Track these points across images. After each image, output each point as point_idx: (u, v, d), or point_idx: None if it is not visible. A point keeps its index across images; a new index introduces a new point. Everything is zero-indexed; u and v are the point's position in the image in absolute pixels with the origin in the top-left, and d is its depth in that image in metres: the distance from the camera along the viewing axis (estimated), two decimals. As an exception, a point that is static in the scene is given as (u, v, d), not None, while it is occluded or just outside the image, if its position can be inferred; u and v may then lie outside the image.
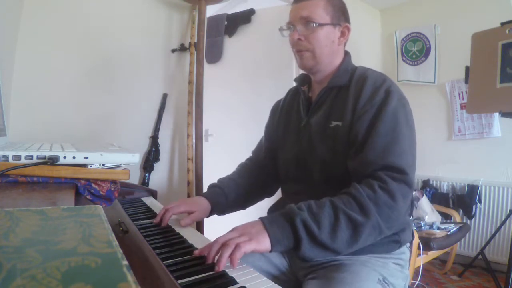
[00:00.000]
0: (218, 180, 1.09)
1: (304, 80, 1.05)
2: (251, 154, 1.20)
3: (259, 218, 0.75)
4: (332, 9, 0.92)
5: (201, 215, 0.98)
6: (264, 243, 0.69)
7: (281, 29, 0.98)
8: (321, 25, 0.90)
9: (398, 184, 0.75)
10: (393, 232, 0.80)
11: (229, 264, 0.64)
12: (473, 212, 2.56)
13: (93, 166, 0.73)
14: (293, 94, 1.11)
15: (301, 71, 1.03)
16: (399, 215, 0.76)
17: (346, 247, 0.72)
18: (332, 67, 0.96)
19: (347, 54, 1.00)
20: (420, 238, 1.93)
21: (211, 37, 2.61)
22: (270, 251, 0.70)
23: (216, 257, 0.65)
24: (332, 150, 0.87)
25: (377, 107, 0.82)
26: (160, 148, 1.98)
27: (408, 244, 0.94)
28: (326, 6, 0.91)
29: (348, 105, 0.86)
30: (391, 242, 0.85)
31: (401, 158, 0.77)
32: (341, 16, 0.94)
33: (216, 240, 0.69)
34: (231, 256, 0.65)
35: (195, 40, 1.98)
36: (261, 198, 1.15)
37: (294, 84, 1.09)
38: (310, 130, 0.94)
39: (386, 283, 0.80)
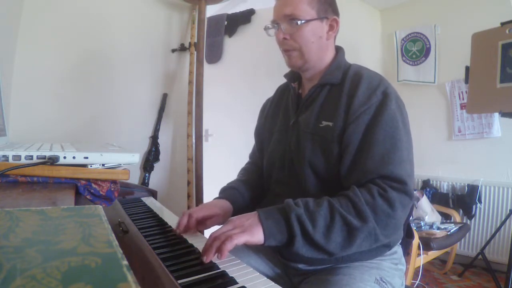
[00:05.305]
0: (227, 184, 1.04)
1: (294, 76, 0.99)
2: (249, 159, 1.16)
3: (256, 210, 0.73)
4: (317, 2, 0.85)
5: (224, 217, 0.89)
6: (257, 235, 0.68)
7: (266, 28, 0.92)
8: (306, 21, 0.84)
9: (398, 193, 0.72)
10: (389, 240, 0.77)
11: (230, 264, 0.64)
12: (473, 212, 2.56)
13: (93, 166, 0.73)
14: (282, 91, 1.07)
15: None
16: (397, 224, 0.74)
17: (340, 249, 0.71)
18: (322, 63, 0.90)
19: (340, 49, 0.94)
20: (420, 238, 1.93)
21: (211, 37, 2.61)
22: (263, 244, 0.69)
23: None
24: (321, 151, 0.82)
25: (374, 110, 0.78)
26: (160, 148, 1.98)
27: (400, 241, 0.91)
28: (311, 0, 0.84)
29: (341, 104, 0.81)
30: (381, 247, 0.82)
31: (400, 167, 0.74)
32: (328, 8, 0.87)
33: (210, 234, 0.69)
34: (220, 246, 0.64)
35: (195, 40, 1.98)
36: None
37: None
38: (298, 129, 0.88)
39: (384, 282, 0.79)
